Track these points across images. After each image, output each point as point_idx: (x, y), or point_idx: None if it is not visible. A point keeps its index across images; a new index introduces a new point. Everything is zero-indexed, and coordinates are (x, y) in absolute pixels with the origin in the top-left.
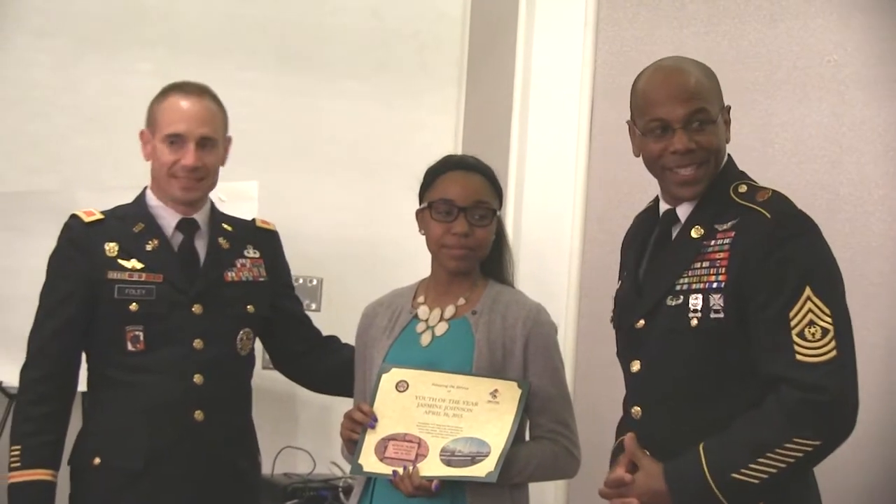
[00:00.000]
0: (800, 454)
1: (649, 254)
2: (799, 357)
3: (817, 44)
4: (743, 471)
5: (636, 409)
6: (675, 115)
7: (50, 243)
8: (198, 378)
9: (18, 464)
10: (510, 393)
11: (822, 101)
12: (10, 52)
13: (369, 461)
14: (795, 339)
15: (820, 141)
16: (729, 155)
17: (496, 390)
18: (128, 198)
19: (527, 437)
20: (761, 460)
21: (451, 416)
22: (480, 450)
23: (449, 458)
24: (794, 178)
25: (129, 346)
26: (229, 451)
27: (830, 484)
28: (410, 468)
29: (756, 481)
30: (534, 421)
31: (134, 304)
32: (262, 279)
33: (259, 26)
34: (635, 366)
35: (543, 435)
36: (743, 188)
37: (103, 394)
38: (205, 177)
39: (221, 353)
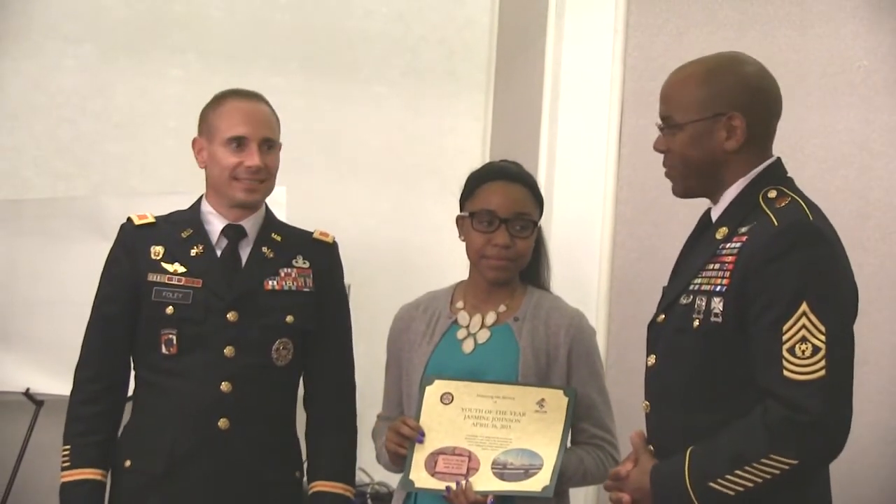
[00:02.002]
0: (776, 471)
1: (683, 251)
2: (786, 373)
3: (847, 49)
4: (720, 481)
5: (646, 404)
6: (660, 115)
7: (78, 249)
8: (225, 386)
9: (68, 463)
10: (557, 402)
11: (853, 106)
12: (40, 58)
13: (420, 476)
14: (785, 354)
15: (850, 146)
16: (778, 159)
17: (543, 399)
18: (155, 203)
19: (568, 443)
20: (739, 472)
21: (499, 427)
22: (532, 462)
23: (501, 471)
24: (824, 184)
25: (163, 350)
26: (256, 462)
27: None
28: (464, 483)
29: (731, 493)
30: (577, 427)
31: (170, 307)
32: (307, 289)
33: (288, 32)
34: (650, 360)
35: (588, 441)
36: (772, 193)
37: (140, 396)
38: (266, 178)
39: (254, 362)
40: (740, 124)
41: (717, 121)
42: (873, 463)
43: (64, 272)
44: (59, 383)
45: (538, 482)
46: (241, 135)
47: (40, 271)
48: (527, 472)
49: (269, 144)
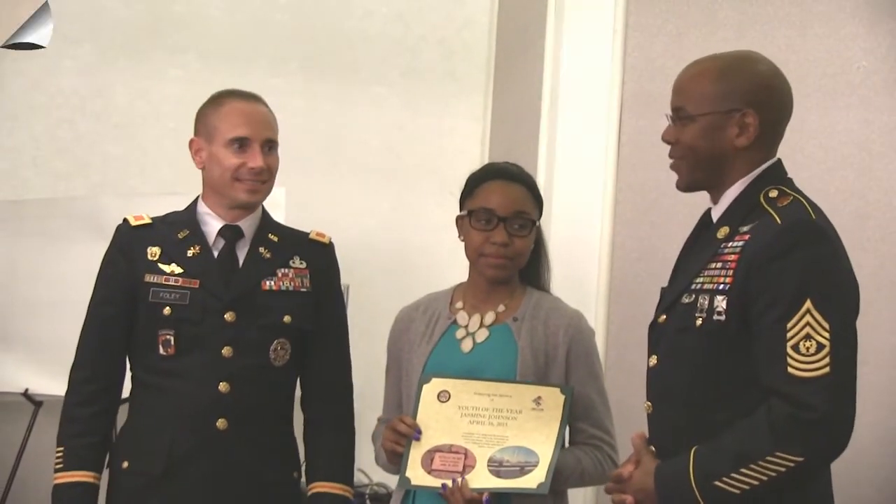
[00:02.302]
0: (782, 469)
1: (683, 251)
2: (791, 370)
3: (847, 50)
4: (725, 479)
5: (648, 405)
6: (671, 106)
7: (78, 249)
8: (223, 386)
9: (62, 465)
10: (553, 400)
11: (852, 107)
12: (39, 58)
13: (417, 474)
14: (790, 351)
15: (849, 147)
16: (779, 160)
17: (539, 397)
18: (155, 204)
19: (565, 442)
20: (744, 471)
21: (495, 425)
22: (528, 459)
23: (497, 468)
24: (823, 185)
25: (161, 350)
26: (255, 463)
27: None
28: (460, 480)
29: (737, 492)
30: (575, 426)
31: (167, 308)
32: (304, 290)
33: (287, 33)
34: (652, 360)
35: (586, 441)
36: (773, 193)
37: (137, 397)
38: (268, 179)
39: (252, 363)
40: (753, 121)
41: (730, 116)
42: (873, 463)
43: (64, 272)
44: (57, 384)
45: (534, 479)
46: (244, 136)
47: (40, 271)
48: (523, 470)
49: (271, 145)
